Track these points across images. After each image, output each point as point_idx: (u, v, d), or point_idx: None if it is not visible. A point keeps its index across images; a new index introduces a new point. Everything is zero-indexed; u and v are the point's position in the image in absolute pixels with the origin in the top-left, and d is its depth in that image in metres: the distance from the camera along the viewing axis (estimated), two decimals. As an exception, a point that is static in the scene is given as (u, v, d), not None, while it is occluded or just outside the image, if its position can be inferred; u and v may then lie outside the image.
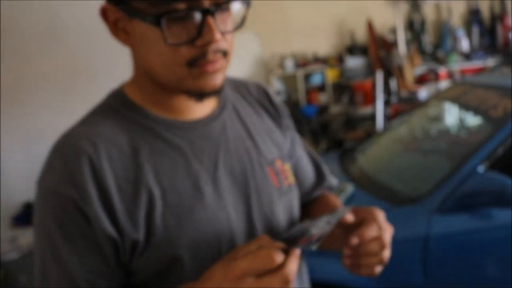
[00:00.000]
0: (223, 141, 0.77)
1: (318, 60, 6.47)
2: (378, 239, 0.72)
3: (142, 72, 0.73)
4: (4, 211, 3.78)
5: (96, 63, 3.83)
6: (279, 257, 0.57)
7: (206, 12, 0.63)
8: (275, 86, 6.49)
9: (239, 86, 0.89)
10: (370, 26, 6.26)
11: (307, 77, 6.46)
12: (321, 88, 6.48)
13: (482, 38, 6.61)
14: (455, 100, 2.89)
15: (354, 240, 0.71)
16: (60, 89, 3.79)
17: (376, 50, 6.29)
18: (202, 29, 0.64)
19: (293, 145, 0.94)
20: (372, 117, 5.44)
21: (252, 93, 0.90)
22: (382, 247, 0.73)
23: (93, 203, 0.64)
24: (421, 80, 5.91)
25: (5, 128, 3.86)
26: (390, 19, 6.39)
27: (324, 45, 6.63)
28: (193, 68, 0.67)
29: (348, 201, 2.25)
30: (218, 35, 0.65)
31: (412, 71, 6.03)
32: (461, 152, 2.34)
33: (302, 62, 6.46)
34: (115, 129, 0.70)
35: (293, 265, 0.58)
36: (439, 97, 3.23)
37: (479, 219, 2.13)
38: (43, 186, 0.67)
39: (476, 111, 2.58)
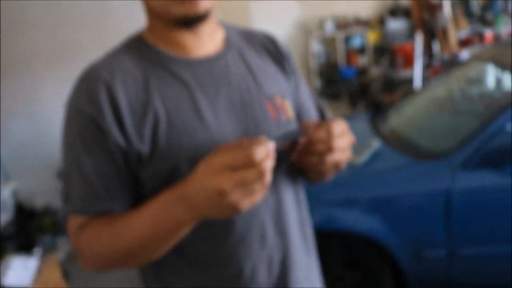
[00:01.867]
0: (225, 76, 0.87)
1: (359, 22, 6.38)
2: (325, 142, 0.78)
3: (150, 14, 0.85)
4: (54, 164, 4.06)
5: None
6: (257, 153, 0.63)
7: None
8: (314, 48, 6.47)
9: (245, 33, 0.98)
10: (413, -15, 6.08)
11: (347, 39, 6.40)
12: (361, 50, 6.41)
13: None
14: (491, 60, 2.84)
15: (302, 140, 0.78)
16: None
17: (419, 11, 6.11)
18: None
19: (297, 88, 1.00)
20: (412, 80, 5.36)
21: (258, 40, 0.98)
22: (329, 149, 0.78)
23: (107, 119, 0.77)
24: (465, 43, 5.73)
25: (56, 89, 4.14)
26: (437, -21, 6.16)
27: (365, 7, 6.51)
28: None
29: (374, 157, 2.31)
30: None
31: (457, 33, 5.85)
32: (491, 111, 2.34)
33: (342, 24, 6.39)
34: (131, 62, 0.82)
35: (268, 160, 0.65)
36: (476, 57, 3.18)
37: (504, 176, 2.15)
38: (69, 106, 0.81)
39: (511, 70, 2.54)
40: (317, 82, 6.53)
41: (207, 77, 0.85)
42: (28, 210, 3.89)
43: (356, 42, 6.36)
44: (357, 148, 2.45)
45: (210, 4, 0.80)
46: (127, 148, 0.78)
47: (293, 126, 0.92)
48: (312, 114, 1.04)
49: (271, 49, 0.98)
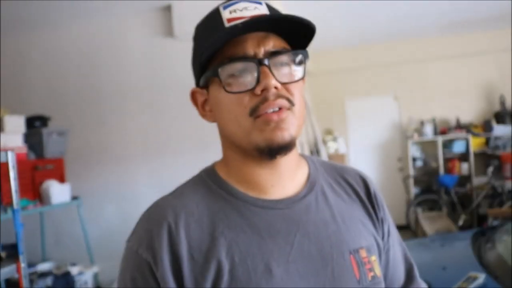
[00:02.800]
0: (304, 224, 0.76)
1: (461, 126, 6.04)
2: None
3: (226, 144, 0.79)
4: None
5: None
6: None
7: (261, 63, 0.70)
8: (412, 152, 6.18)
9: (334, 170, 0.88)
10: (523, 90, 5.69)
11: (447, 144, 6.05)
12: (463, 157, 5.99)
13: None
14: None
15: None
16: (195, 149, 4.12)
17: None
18: (259, 77, 0.70)
19: (387, 239, 0.87)
20: (523, 193, 4.84)
21: (348, 180, 0.87)
22: None
23: (164, 269, 0.69)
24: None
25: (147, 180, 4.29)
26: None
27: (468, 111, 6.18)
28: (257, 119, 0.71)
29: (478, 293, 1.96)
30: (274, 81, 0.70)
31: None
32: None
33: (442, 128, 6.09)
34: (200, 201, 0.76)
35: None
36: None
37: None
38: (128, 245, 0.75)
39: None
40: (415, 188, 6.15)
41: (281, 223, 0.75)
42: (105, 295, 3.90)
43: (457, 147, 5.98)
44: (458, 278, 2.12)
45: (296, 132, 0.73)
46: None
47: (378, 286, 0.78)
48: (399, 271, 0.89)
49: (362, 194, 0.86)
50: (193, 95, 0.81)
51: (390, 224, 0.88)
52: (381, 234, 0.85)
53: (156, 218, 0.74)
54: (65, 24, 4.42)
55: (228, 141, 0.78)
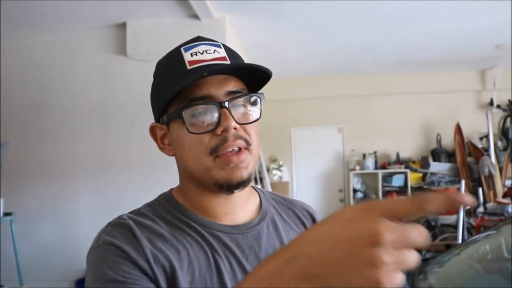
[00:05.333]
0: (255, 249, 0.82)
1: (400, 161, 6.30)
2: None
3: (184, 176, 0.84)
4: (71, 274, 3.93)
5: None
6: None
7: (222, 106, 0.75)
8: (353, 184, 6.36)
9: (283, 202, 0.95)
10: (458, 129, 6.03)
11: (387, 177, 6.28)
12: (401, 190, 6.24)
13: None
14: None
15: None
16: (141, 170, 4.02)
17: (464, 156, 6.01)
18: (220, 119, 0.75)
19: None
20: (455, 227, 5.07)
21: (296, 212, 0.95)
22: None
23: (144, 260, 0.71)
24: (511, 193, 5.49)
25: (89, 199, 4.14)
26: (482, 126, 6.13)
27: (407, 147, 6.47)
28: (217, 158, 0.76)
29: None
30: (233, 123, 0.75)
31: (503, 182, 5.65)
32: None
33: (383, 162, 6.32)
34: (160, 222, 0.79)
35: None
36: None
37: None
38: (99, 244, 0.73)
39: None
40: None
41: (236, 247, 0.80)
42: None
43: (396, 181, 6.23)
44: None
45: (252, 169, 0.80)
46: None
47: None
48: None
49: (309, 224, 0.94)
50: (152, 130, 0.85)
51: None
52: None
53: (121, 223, 0.76)
54: (10, 34, 4.27)
55: (186, 174, 0.83)
